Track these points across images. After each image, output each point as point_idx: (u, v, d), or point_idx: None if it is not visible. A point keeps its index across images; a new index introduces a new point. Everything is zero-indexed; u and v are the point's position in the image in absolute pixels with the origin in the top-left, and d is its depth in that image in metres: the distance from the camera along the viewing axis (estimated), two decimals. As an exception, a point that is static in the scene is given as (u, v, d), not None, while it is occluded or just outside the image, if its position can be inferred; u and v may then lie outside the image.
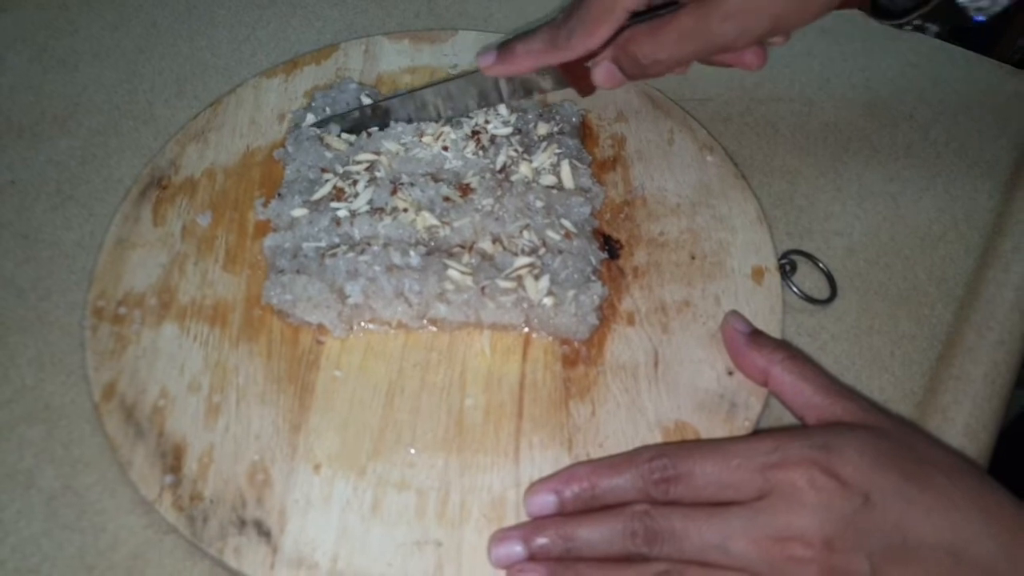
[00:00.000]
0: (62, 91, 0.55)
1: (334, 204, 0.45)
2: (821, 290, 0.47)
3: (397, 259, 0.42)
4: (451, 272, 0.42)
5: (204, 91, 0.55)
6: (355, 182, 0.46)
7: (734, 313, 0.43)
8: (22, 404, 0.42)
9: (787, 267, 0.47)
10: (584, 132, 0.51)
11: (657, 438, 0.40)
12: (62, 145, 0.52)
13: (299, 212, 0.45)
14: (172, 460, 0.39)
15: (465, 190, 0.46)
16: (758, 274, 0.45)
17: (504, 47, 0.45)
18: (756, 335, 0.41)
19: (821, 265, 0.47)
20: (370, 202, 0.45)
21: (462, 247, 0.44)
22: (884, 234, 0.49)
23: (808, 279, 0.47)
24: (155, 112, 0.54)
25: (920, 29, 0.45)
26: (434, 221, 0.44)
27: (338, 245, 0.44)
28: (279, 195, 0.46)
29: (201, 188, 0.48)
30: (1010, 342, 0.45)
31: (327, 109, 0.50)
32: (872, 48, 0.58)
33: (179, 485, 0.38)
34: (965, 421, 0.42)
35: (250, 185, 0.48)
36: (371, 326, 0.43)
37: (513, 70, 0.46)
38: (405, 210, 0.44)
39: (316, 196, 0.45)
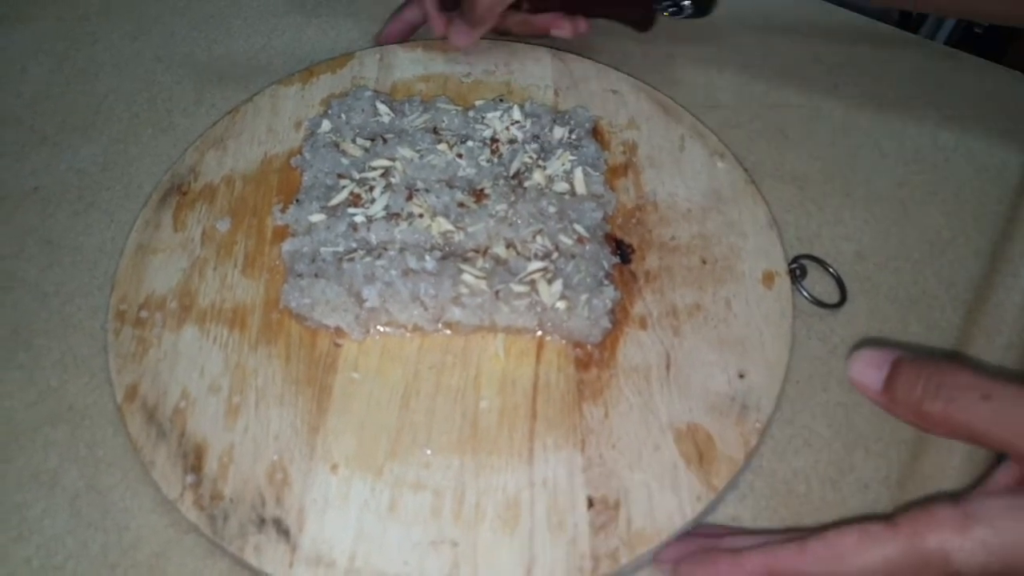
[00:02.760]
0: (83, 100, 0.56)
1: (351, 210, 0.46)
2: (831, 294, 0.47)
3: (413, 263, 0.43)
4: (466, 276, 0.43)
5: (222, 99, 0.56)
6: (371, 188, 0.47)
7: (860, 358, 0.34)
8: (46, 405, 0.43)
9: (797, 271, 0.47)
10: (595, 138, 0.51)
11: (669, 439, 0.40)
12: (84, 153, 0.53)
13: (317, 217, 0.46)
14: (193, 460, 0.40)
15: (479, 196, 0.46)
16: (768, 278, 0.46)
17: None
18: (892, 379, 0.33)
19: (831, 269, 0.48)
20: (386, 207, 0.46)
21: (476, 252, 0.45)
22: (893, 239, 0.49)
23: (818, 283, 0.47)
24: (174, 120, 0.55)
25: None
26: (449, 226, 0.45)
27: (355, 250, 0.44)
28: (297, 201, 0.47)
29: (220, 194, 0.49)
30: (1019, 346, 0.45)
31: (343, 116, 0.51)
32: (880, 54, 0.59)
33: (200, 484, 0.39)
34: (975, 423, 0.43)
35: (268, 191, 0.49)
36: (387, 329, 0.44)
37: None
38: (420, 215, 0.45)
39: (333, 202, 0.46)
